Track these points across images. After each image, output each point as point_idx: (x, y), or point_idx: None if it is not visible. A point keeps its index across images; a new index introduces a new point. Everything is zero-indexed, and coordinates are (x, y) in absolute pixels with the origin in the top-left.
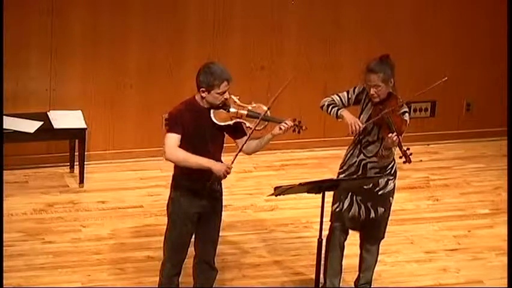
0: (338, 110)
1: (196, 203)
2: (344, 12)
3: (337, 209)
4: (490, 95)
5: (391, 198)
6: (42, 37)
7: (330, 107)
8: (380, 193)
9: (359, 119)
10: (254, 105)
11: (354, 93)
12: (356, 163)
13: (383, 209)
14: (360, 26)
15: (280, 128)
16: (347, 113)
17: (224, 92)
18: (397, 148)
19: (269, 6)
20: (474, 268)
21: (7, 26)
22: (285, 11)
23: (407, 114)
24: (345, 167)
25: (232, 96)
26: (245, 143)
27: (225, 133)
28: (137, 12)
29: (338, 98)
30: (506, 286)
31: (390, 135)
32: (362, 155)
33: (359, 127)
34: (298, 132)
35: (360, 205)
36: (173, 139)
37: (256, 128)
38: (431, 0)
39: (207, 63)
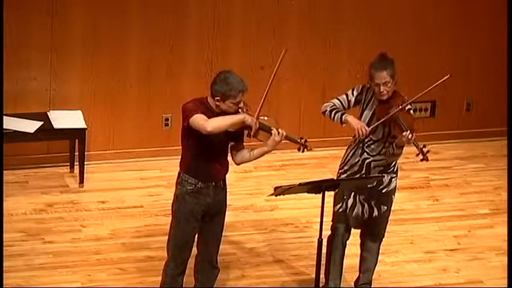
0: (342, 115)
1: (201, 201)
2: (344, 13)
3: (340, 210)
4: (490, 95)
5: (393, 196)
6: (42, 37)
7: (333, 112)
8: (384, 191)
9: (360, 118)
10: (266, 118)
11: (353, 95)
12: (359, 162)
13: (386, 207)
14: (359, 26)
15: (274, 138)
16: (352, 118)
17: (239, 102)
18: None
19: (269, 6)
20: (474, 268)
21: (7, 26)
22: (285, 11)
23: (411, 111)
24: (346, 167)
25: (243, 106)
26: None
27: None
28: (137, 13)
29: (339, 102)
30: (506, 286)
31: (404, 133)
32: (365, 154)
33: (366, 131)
34: (303, 151)
35: (364, 204)
36: (201, 115)
37: (259, 139)
38: (431, 0)
39: (223, 72)
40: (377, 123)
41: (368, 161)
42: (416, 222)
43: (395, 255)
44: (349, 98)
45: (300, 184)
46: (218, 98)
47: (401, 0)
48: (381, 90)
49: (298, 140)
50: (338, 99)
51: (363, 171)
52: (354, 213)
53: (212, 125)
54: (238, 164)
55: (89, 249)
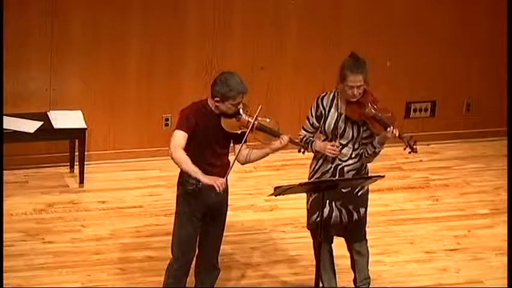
0: (311, 145)
1: (202, 201)
2: (344, 12)
3: (317, 219)
4: (490, 95)
5: (368, 197)
6: (42, 37)
7: (308, 145)
8: (359, 194)
9: (324, 125)
10: (267, 119)
11: (312, 115)
12: (331, 169)
13: (364, 209)
14: (359, 26)
15: (281, 143)
16: (318, 146)
17: (238, 104)
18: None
19: (269, 6)
20: (474, 268)
21: (7, 25)
22: (285, 11)
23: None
24: (317, 175)
25: (242, 107)
26: (240, 151)
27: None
28: (137, 12)
29: (305, 132)
30: (506, 286)
31: (388, 129)
32: (336, 160)
33: (338, 147)
34: (303, 153)
35: (341, 209)
36: (180, 137)
37: (264, 142)
38: (431, 0)
39: (224, 73)
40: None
41: (340, 166)
42: (416, 222)
43: (395, 255)
44: (311, 121)
45: (300, 184)
46: (217, 99)
47: (401, 0)
48: (355, 93)
49: (298, 141)
50: (303, 129)
51: (337, 177)
52: (332, 220)
53: (173, 155)
54: (242, 164)
55: (89, 249)
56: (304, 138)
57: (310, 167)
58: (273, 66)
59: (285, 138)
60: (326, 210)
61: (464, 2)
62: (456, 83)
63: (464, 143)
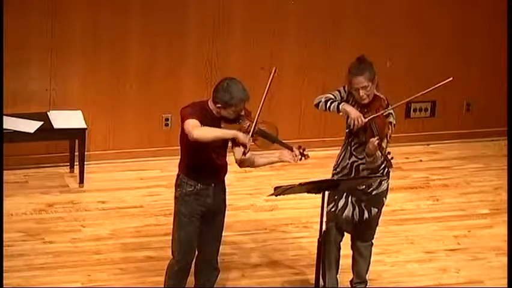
0: (339, 104)
1: (201, 201)
2: (344, 12)
3: (332, 209)
4: (490, 95)
5: (384, 198)
6: (42, 37)
7: (329, 102)
8: (373, 193)
9: (346, 121)
10: (267, 125)
11: (345, 92)
12: (348, 165)
13: (376, 209)
14: (359, 26)
15: (294, 159)
16: (349, 107)
17: (240, 110)
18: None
19: (269, 6)
20: (474, 268)
21: (7, 25)
22: (285, 11)
23: (391, 116)
24: (338, 169)
25: (244, 113)
26: (245, 155)
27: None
28: (137, 12)
29: (332, 96)
30: (506, 286)
31: (371, 139)
32: (353, 157)
33: (362, 122)
34: (300, 159)
35: (355, 206)
36: (194, 121)
37: (261, 147)
38: (431, 0)
39: (226, 79)
40: (369, 118)
41: (356, 164)
42: (416, 222)
43: (395, 255)
44: (342, 95)
45: (300, 184)
46: (219, 105)
47: (401, 0)
48: (361, 94)
49: (298, 150)
50: (332, 94)
51: (353, 174)
52: (344, 214)
53: (198, 134)
54: (241, 167)
55: (89, 249)
56: (330, 98)
57: (336, 158)
58: (273, 66)
59: (297, 153)
60: (341, 203)
61: (464, 2)
62: (456, 83)
63: (464, 143)
